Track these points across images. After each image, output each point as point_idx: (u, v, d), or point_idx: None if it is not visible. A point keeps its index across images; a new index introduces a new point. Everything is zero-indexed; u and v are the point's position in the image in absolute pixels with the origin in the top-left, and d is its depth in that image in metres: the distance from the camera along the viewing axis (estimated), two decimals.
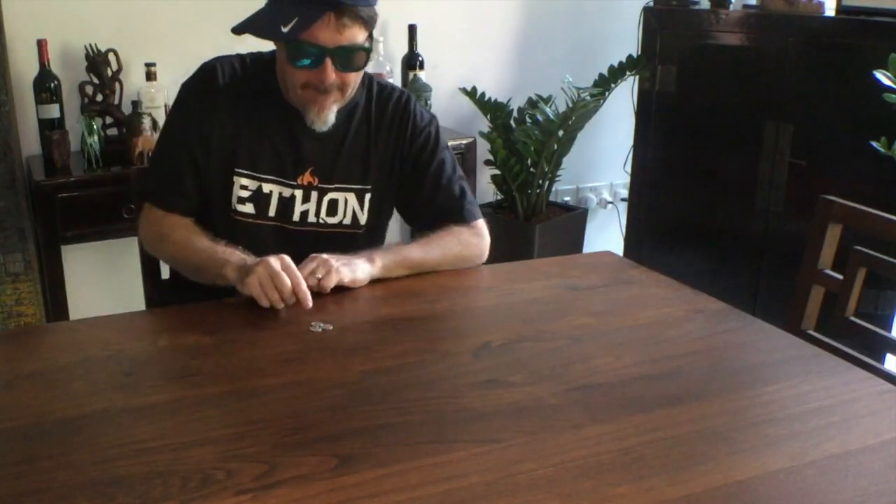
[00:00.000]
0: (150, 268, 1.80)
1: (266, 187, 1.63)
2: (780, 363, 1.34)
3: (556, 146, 3.16)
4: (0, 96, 2.43)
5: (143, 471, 1.00)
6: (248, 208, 1.64)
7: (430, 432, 1.10)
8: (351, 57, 1.54)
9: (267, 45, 1.63)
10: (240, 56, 1.67)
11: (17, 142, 2.56)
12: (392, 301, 1.54)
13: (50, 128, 2.60)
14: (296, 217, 1.65)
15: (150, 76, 2.69)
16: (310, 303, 1.42)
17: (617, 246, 3.49)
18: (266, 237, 1.63)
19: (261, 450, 1.05)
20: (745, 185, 2.94)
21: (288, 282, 1.40)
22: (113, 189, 2.49)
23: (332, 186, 1.66)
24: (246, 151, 1.62)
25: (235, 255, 1.50)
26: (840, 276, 1.68)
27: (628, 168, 3.40)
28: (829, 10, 2.79)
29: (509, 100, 3.25)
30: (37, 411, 1.13)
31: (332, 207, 1.67)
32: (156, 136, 2.63)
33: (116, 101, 2.71)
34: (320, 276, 1.50)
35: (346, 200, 1.68)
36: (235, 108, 1.62)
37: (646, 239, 3.38)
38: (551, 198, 3.41)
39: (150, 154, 1.75)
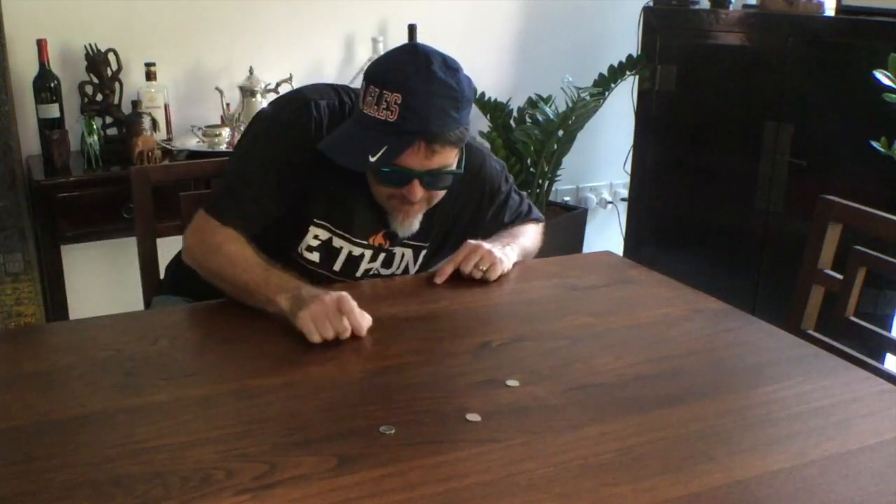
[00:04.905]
0: (148, 269, 1.79)
1: (337, 242, 1.59)
2: (780, 363, 1.34)
3: (556, 146, 3.16)
4: (0, 96, 2.43)
5: (143, 471, 1.00)
6: (315, 256, 1.59)
7: (430, 432, 1.10)
8: (440, 178, 1.50)
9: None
10: (336, 92, 1.58)
11: (17, 142, 2.56)
12: (392, 301, 1.54)
13: (50, 128, 2.60)
14: (359, 273, 1.63)
15: (150, 76, 2.69)
16: (365, 332, 1.35)
17: (617, 246, 3.49)
18: (320, 282, 1.52)
19: (261, 450, 1.05)
20: (745, 185, 2.94)
21: (346, 324, 1.32)
22: (113, 189, 2.49)
23: (397, 245, 1.65)
24: (324, 202, 1.56)
25: (291, 282, 1.40)
26: (840, 276, 1.68)
27: (628, 168, 3.40)
28: (829, 10, 2.80)
29: (509, 100, 3.25)
30: (37, 411, 1.13)
31: (389, 261, 1.66)
32: (156, 135, 2.64)
33: (116, 101, 2.71)
34: (485, 268, 1.57)
35: (402, 255, 1.67)
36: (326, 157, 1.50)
37: (646, 239, 3.37)
38: (551, 198, 3.40)
39: (226, 168, 1.63)
